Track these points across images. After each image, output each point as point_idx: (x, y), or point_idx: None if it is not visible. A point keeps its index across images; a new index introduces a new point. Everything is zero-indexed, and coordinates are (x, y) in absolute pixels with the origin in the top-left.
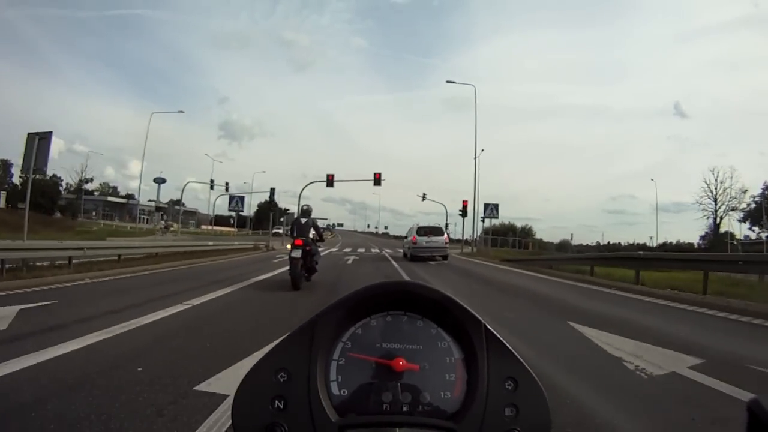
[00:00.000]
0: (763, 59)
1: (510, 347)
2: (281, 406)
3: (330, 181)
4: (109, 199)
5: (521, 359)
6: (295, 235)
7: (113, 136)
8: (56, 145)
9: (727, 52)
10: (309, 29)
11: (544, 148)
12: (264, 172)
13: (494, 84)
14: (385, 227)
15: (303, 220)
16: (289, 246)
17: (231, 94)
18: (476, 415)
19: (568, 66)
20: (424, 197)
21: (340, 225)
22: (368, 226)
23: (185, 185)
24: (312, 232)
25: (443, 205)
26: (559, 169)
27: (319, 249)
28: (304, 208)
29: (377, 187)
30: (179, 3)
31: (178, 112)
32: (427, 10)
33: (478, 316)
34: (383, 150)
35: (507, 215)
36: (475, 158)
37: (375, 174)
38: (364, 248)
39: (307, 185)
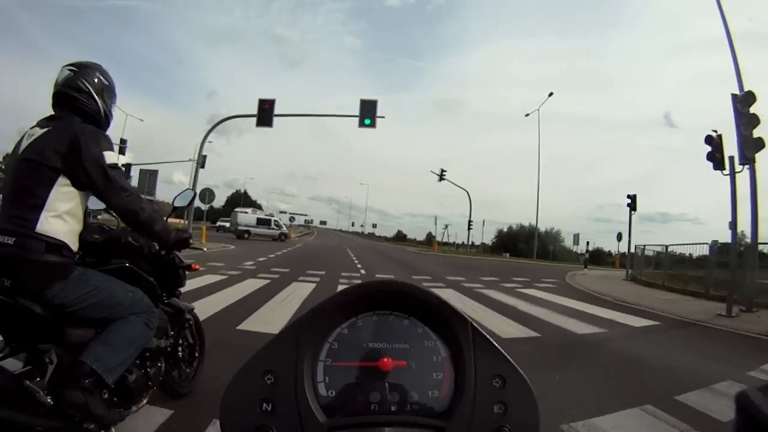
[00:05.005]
0: (756, 73)
1: (497, 345)
2: (269, 409)
3: (265, 113)
4: None
5: (509, 357)
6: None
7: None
8: None
9: (719, 66)
10: (303, 28)
11: (531, 156)
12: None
13: (483, 90)
14: (374, 225)
15: (23, 146)
16: None
17: (220, 88)
18: (465, 413)
19: (559, 74)
20: (441, 176)
21: (323, 223)
22: (352, 224)
23: None
24: (51, 197)
25: (465, 190)
26: (547, 177)
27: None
28: (63, 79)
29: (364, 183)
30: None
31: None
32: (421, 14)
33: (464, 314)
34: (372, 151)
35: (499, 219)
36: None
37: (362, 103)
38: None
39: (223, 121)
